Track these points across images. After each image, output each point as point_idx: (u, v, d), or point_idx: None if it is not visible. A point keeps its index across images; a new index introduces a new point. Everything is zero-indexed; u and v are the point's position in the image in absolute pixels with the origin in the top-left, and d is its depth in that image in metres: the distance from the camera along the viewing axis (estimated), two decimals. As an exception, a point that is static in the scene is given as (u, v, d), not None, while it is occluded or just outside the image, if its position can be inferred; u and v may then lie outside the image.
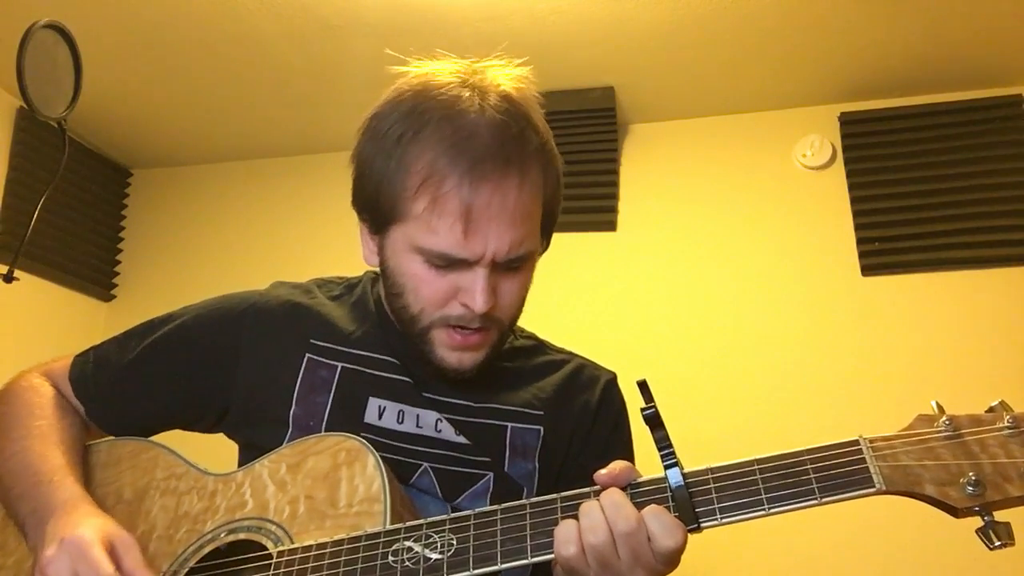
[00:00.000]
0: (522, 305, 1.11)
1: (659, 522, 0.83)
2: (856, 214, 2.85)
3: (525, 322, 1.28)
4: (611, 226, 3.04)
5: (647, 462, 0.96)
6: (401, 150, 1.02)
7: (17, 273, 1.71)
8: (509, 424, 1.14)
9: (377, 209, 1.06)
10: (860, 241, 2.82)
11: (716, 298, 2.90)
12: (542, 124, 1.07)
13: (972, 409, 0.85)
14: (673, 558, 0.84)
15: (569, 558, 0.84)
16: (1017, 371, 2.55)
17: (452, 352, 1.07)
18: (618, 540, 0.83)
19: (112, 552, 0.95)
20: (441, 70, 1.07)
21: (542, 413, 1.15)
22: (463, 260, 1.01)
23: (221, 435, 1.21)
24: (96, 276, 3.36)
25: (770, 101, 3.01)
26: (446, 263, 1.02)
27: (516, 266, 1.05)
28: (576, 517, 0.86)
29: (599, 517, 0.85)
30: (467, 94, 1.02)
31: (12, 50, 1.51)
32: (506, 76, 1.06)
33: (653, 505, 0.85)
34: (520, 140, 1.02)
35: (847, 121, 2.93)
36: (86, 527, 0.96)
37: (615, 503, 0.85)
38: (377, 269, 1.14)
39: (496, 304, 1.04)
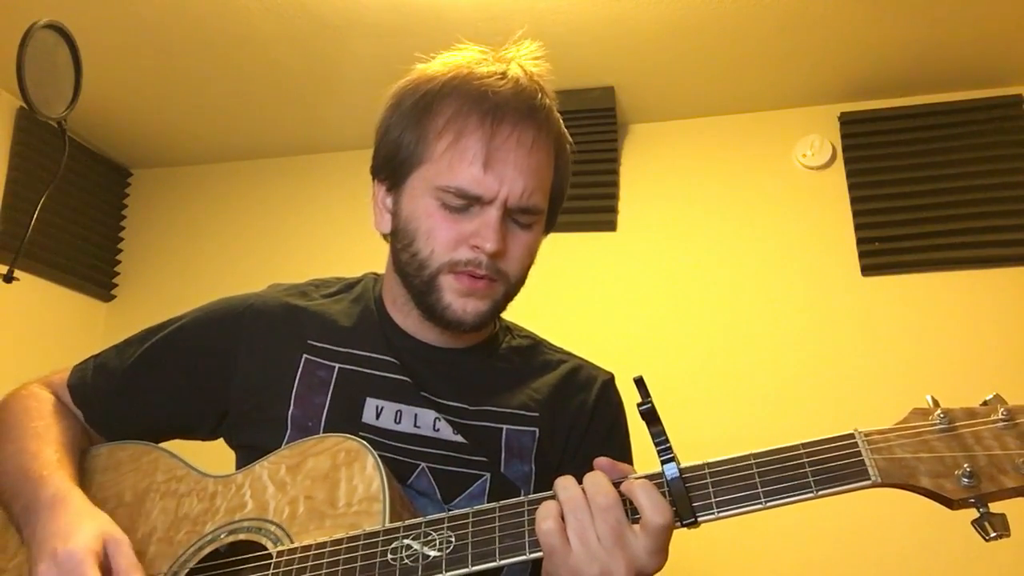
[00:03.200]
0: (527, 271, 1.13)
1: (648, 497, 0.83)
2: (856, 214, 2.85)
3: (525, 322, 1.29)
4: (611, 226, 3.05)
5: (645, 461, 0.96)
6: (426, 101, 1.09)
7: (17, 273, 1.71)
8: (505, 426, 1.14)
9: (397, 159, 1.11)
10: (860, 241, 2.82)
11: (716, 298, 2.90)
12: (555, 107, 1.13)
13: (971, 408, 0.85)
14: (660, 541, 0.83)
15: (547, 533, 0.84)
16: (1017, 371, 2.55)
17: (459, 298, 1.08)
18: (596, 515, 0.83)
19: (103, 553, 0.95)
20: (461, 51, 1.14)
21: (538, 415, 1.15)
22: (479, 197, 1.05)
23: (221, 439, 1.22)
24: (96, 276, 3.36)
25: (770, 101, 3.01)
26: (462, 203, 1.05)
27: (526, 222, 1.09)
28: None
29: (576, 490, 0.85)
30: (489, 60, 1.11)
31: (12, 50, 1.52)
32: (525, 59, 1.13)
33: (643, 479, 0.85)
34: (539, 102, 1.09)
35: (847, 121, 2.93)
36: (78, 536, 0.94)
37: (594, 480, 0.86)
38: (388, 237, 1.16)
39: (505, 254, 1.07)
